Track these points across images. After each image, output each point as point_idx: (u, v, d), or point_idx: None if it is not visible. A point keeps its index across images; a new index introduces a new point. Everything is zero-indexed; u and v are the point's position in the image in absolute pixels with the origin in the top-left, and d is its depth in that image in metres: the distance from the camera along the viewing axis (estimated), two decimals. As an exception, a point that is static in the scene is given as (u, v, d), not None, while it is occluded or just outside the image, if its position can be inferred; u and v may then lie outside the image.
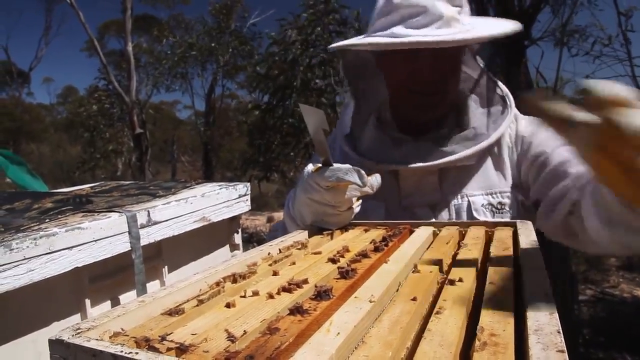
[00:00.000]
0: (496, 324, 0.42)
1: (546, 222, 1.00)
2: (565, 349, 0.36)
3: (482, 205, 1.05)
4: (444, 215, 1.06)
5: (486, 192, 1.06)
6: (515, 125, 1.10)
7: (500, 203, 1.05)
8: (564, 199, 0.94)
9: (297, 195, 0.95)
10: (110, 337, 0.44)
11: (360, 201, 0.94)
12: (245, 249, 0.81)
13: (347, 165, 0.82)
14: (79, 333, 0.43)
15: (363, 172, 0.82)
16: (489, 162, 1.09)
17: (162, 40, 13.49)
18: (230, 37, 12.20)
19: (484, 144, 1.04)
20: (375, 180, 0.88)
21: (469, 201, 1.05)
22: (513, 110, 1.09)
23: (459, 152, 1.03)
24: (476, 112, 1.10)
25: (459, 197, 1.06)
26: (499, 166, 1.08)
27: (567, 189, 0.94)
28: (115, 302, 0.93)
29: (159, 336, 0.43)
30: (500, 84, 1.11)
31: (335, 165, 0.83)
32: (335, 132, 1.28)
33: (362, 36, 1.08)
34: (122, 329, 0.46)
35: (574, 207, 0.91)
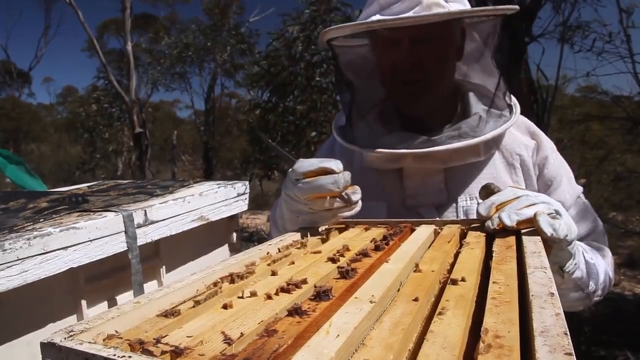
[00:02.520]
0: (500, 325, 0.41)
1: None
2: (572, 351, 0.35)
3: None
4: (452, 217, 1.02)
5: None
6: (534, 141, 1.08)
7: None
8: None
9: (279, 205, 1.00)
10: (103, 340, 0.43)
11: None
12: (245, 248, 0.79)
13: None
14: (71, 336, 0.42)
15: (341, 167, 0.85)
16: (499, 164, 1.05)
17: (160, 41, 13.49)
18: (228, 35, 12.18)
19: (475, 140, 0.99)
20: (350, 187, 0.88)
21: (478, 203, 1.01)
22: (516, 117, 1.05)
23: (448, 143, 0.99)
24: (477, 109, 1.06)
25: (467, 198, 1.03)
26: (510, 169, 1.05)
27: None
28: (112, 303, 0.92)
29: (154, 339, 0.42)
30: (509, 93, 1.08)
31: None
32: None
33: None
34: (116, 331, 0.45)
35: None
